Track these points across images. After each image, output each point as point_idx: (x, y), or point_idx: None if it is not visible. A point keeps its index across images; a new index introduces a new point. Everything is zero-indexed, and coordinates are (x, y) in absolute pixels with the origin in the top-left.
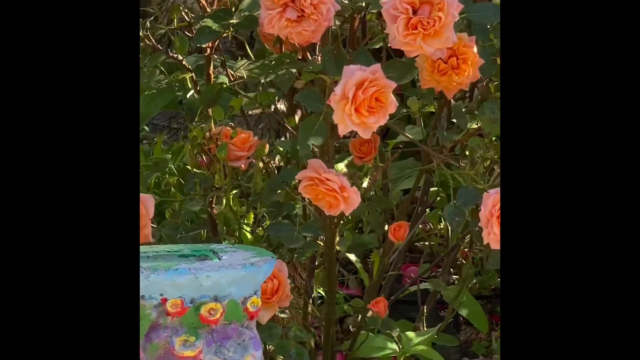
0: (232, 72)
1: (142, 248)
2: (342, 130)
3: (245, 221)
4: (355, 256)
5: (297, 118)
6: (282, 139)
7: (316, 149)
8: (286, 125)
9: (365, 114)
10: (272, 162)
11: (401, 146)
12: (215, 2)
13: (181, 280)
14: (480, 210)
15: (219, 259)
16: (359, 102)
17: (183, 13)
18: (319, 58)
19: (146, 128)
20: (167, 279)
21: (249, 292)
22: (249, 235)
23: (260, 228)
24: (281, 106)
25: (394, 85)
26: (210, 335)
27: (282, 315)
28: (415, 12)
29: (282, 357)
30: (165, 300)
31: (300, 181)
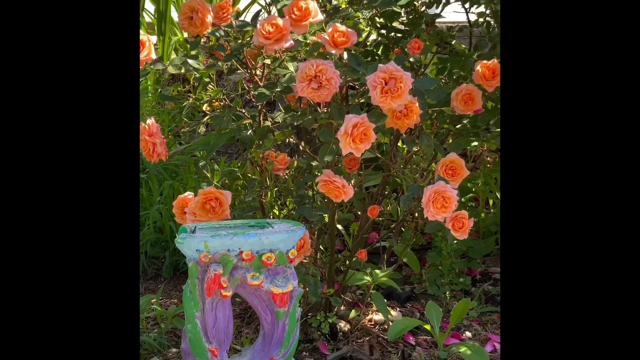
0: (271, 119)
1: (226, 222)
2: (344, 152)
3: (276, 207)
4: (341, 226)
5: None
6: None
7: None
8: (299, 149)
9: (358, 142)
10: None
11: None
12: (264, 78)
13: (251, 240)
14: (422, 198)
15: (272, 227)
16: (355, 136)
17: (245, 85)
18: (327, 110)
19: (213, 153)
20: (243, 240)
21: (290, 247)
22: (277, 214)
23: (285, 210)
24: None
25: (373, 126)
26: (268, 272)
27: (305, 261)
28: (386, 83)
29: (304, 285)
30: (241, 252)
31: (317, 182)
